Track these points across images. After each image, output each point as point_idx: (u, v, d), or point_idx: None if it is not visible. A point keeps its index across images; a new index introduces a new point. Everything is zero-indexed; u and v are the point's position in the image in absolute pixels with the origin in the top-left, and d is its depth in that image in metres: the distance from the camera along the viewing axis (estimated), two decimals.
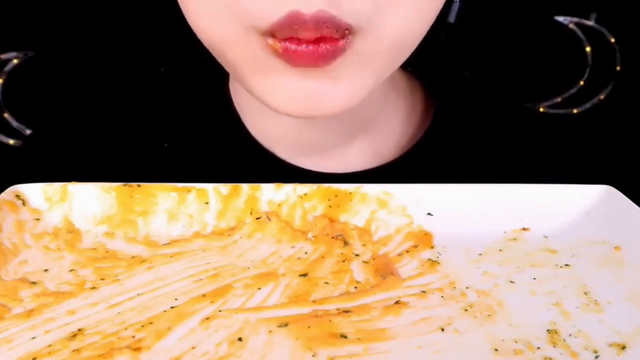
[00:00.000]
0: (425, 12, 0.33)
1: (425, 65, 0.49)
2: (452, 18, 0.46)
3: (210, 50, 0.36)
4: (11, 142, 0.78)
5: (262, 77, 0.33)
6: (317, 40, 0.30)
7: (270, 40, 0.31)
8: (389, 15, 0.31)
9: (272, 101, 0.34)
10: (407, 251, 0.36)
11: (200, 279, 0.33)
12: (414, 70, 0.50)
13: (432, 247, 0.36)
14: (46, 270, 0.34)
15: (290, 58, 0.31)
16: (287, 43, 0.30)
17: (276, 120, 0.43)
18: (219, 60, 0.36)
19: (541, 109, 0.82)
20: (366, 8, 0.30)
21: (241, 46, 0.32)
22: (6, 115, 0.78)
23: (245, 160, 0.45)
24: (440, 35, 0.48)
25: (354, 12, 0.30)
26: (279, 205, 0.38)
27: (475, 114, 0.49)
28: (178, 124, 0.48)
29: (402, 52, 0.35)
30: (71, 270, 0.34)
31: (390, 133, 0.47)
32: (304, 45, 0.30)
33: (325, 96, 0.33)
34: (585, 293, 0.32)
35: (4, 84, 0.78)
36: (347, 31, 0.30)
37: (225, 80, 0.48)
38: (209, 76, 0.40)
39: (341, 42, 0.30)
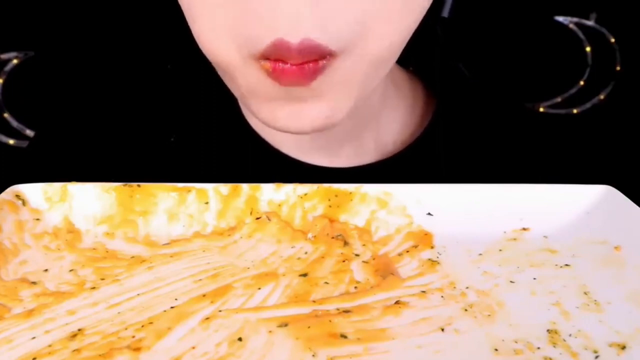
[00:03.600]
0: (407, 24, 0.34)
1: (423, 62, 0.50)
2: (445, 12, 0.46)
3: (215, 67, 0.37)
4: (11, 142, 0.78)
5: (255, 99, 0.35)
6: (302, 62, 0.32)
7: (263, 62, 0.32)
8: (373, 36, 0.32)
9: (262, 118, 0.35)
10: (407, 251, 0.36)
11: (200, 279, 0.33)
12: (415, 69, 0.50)
13: (432, 247, 0.36)
14: (46, 270, 0.34)
15: (278, 77, 0.32)
16: (276, 63, 0.32)
17: None
18: (221, 76, 0.37)
19: (541, 109, 0.82)
20: (351, 33, 0.31)
21: (240, 69, 0.34)
22: (6, 115, 0.78)
23: (250, 156, 0.46)
24: (436, 30, 0.48)
25: (339, 38, 0.31)
26: (279, 205, 0.38)
27: (476, 114, 0.49)
28: (184, 121, 0.48)
29: (385, 64, 0.36)
30: (71, 270, 0.34)
31: (391, 130, 0.47)
32: (289, 64, 0.31)
33: (306, 114, 0.34)
34: (585, 293, 0.32)
35: (4, 84, 0.78)
36: (329, 55, 0.31)
37: None
38: (215, 75, 0.40)
39: (321, 63, 0.32)
